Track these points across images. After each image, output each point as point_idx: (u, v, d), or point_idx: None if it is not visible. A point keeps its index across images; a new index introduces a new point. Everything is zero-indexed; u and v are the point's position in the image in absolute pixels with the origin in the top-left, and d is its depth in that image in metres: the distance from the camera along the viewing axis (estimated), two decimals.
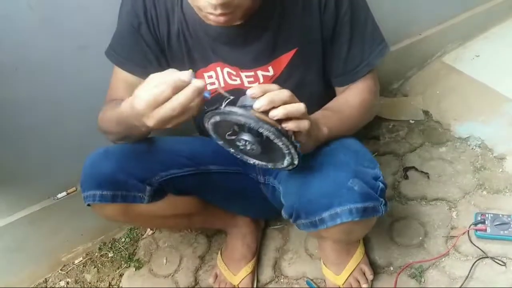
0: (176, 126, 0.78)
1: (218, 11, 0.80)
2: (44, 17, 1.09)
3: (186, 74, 0.74)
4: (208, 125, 0.81)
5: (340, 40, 1.01)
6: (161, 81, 0.75)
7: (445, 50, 1.86)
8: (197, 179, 1.13)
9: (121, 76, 1.06)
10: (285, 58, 1.03)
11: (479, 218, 1.28)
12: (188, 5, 0.96)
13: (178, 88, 0.74)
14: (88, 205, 1.02)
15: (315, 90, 1.09)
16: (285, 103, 0.76)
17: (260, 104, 0.74)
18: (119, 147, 1.02)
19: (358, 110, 1.03)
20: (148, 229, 1.55)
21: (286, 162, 0.82)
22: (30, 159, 1.27)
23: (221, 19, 0.83)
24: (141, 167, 1.02)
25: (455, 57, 1.82)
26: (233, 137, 0.80)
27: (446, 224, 1.34)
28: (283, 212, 0.94)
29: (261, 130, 0.74)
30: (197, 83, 0.74)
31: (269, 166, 0.86)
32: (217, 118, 0.77)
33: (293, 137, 0.77)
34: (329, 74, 1.08)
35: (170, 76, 0.74)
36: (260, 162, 0.86)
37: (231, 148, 0.86)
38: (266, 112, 0.75)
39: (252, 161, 0.87)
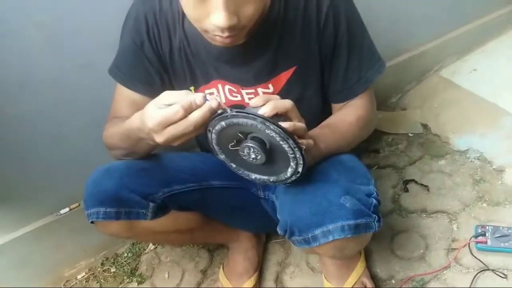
0: (184, 144, 0.81)
1: (226, 34, 0.82)
2: (48, 36, 1.11)
3: (200, 98, 0.76)
4: (212, 135, 0.80)
5: (338, 59, 1.03)
6: (175, 101, 0.77)
7: (442, 64, 1.88)
8: (199, 194, 1.14)
9: (124, 93, 1.07)
10: (285, 76, 1.05)
11: (479, 231, 1.29)
12: (190, 24, 0.98)
13: (191, 110, 0.76)
14: (92, 222, 1.03)
15: (314, 105, 1.11)
16: (288, 111, 0.78)
17: (264, 110, 0.76)
18: (121, 164, 1.03)
19: (355, 127, 1.04)
20: (150, 244, 1.56)
21: (290, 171, 0.81)
22: (33, 175, 1.28)
23: (228, 40, 0.85)
24: (143, 183, 1.02)
25: (453, 71, 1.84)
26: (237, 148, 0.80)
27: (447, 237, 1.34)
28: (278, 229, 0.95)
29: (267, 131, 0.74)
30: (213, 103, 0.76)
31: (271, 180, 0.85)
32: (223, 124, 0.77)
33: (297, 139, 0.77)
34: (326, 91, 1.09)
35: (185, 98, 0.76)
36: (261, 177, 0.86)
37: (232, 163, 0.87)
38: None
39: (253, 176, 0.87)
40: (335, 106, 1.11)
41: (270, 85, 1.05)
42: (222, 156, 0.86)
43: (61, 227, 1.39)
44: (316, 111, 1.10)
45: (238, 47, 0.96)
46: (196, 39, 1.01)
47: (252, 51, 1.00)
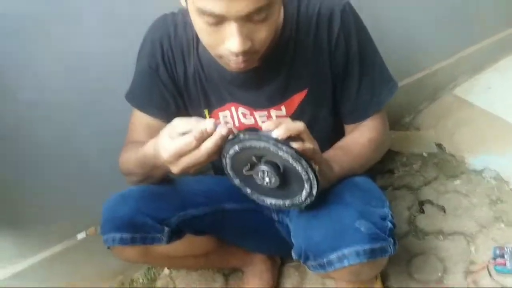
0: (198, 170, 0.83)
1: (240, 59, 0.84)
2: (66, 62, 1.14)
3: (210, 125, 0.77)
4: (226, 160, 0.81)
5: (349, 80, 1.03)
6: (187, 129, 0.79)
7: (456, 83, 1.87)
8: (213, 218, 1.14)
9: (140, 118, 1.09)
10: (298, 98, 1.05)
11: (497, 253, 1.27)
12: (204, 49, 1.00)
13: (203, 139, 0.78)
14: (108, 247, 1.04)
15: (327, 126, 1.11)
16: (300, 133, 0.79)
17: (277, 133, 0.76)
18: (136, 190, 1.04)
19: (368, 149, 1.04)
20: (165, 269, 1.56)
21: (304, 194, 0.81)
22: (50, 200, 1.30)
23: (242, 65, 0.87)
24: (158, 208, 1.03)
25: (467, 90, 1.83)
26: (251, 172, 0.80)
27: (465, 259, 1.32)
28: (292, 253, 0.94)
29: (280, 153, 0.75)
30: (222, 131, 0.77)
31: (286, 205, 0.85)
32: (236, 148, 0.78)
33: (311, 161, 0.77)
34: (339, 112, 1.10)
35: (196, 127, 0.78)
36: (276, 202, 0.86)
37: (247, 188, 0.87)
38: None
39: (268, 201, 0.87)
40: (347, 127, 1.11)
41: (282, 107, 1.05)
42: (236, 181, 0.86)
43: (78, 252, 1.40)
44: (329, 131, 1.11)
45: (251, 71, 0.97)
46: (210, 64, 1.02)
47: (265, 75, 1.02)
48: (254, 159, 0.79)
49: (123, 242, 1.01)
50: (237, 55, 0.83)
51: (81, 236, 1.37)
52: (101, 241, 1.05)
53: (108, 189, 1.07)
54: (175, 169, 0.81)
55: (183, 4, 0.88)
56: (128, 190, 1.04)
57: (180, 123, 0.81)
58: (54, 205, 1.31)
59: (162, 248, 1.06)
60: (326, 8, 0.98)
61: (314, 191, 0.80)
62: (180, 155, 0.79)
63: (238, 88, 1.04)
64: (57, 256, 1.37)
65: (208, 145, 0.77)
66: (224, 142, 0.78)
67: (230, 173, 0.85)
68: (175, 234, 1.07)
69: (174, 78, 1.07)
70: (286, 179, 0.80)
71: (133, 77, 1.11)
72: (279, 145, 0.75)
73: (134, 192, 1.03)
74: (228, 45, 0.81)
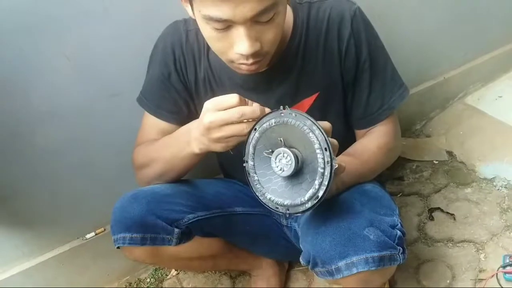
0: (221, 142, 0.84)
1: (250, 61, 0.85)
2: (79, 67, 1.15)
3: (257, 110, 0.80)
4: (256, 134, 0.80)
5: (360, 85, 1.04)
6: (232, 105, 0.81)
7: (467, 91, 1.87)
8: (223, 220, 1.14)
9: (151, 122, 1.11)
10: (307, 102, 1.06)
11: (507, 261, 1.26)
12: (214, 55, 1.01)
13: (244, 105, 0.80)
14: (118, 247, 1.04)
15: (337, 131, 1.09)
16: (327, 132, 0.78)
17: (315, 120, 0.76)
18: (147, 190, 1.05)
19: (378, 155, 1.03)
20: (173, 270, 1.56)
21: (309, 193, 0.77)
22: (60, 200, 1.31)
23: (253, 67, 0.88)
24: (169, 209, 1.03)
25: (478, 98, 1.83)
26: (270, 155, 0.79)
27: (474, 267, 1.31)
28: (301, 259, 0.93)
29: (310, 135, 0.74)
30: (266, 108, 0.80)
31: (285, 204, 0.80)
32: (273, 121, 0.77)
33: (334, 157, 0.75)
34: (349, 117, 1.10)
35: (246, 108, 0.80)
36: (276, 199, 0.81)
37: (255, 175, 0.83)
38: None
39: (268, 196, 0.82)
40: (358, 132, 1.11)
41: None
42: (251, 163, 0.83)
43: (86, 252, 1.41)
44: (338, 137, 1.09)
45: (261, 75, 0.98)
46: (220, 69, 1.04)
47: (275, 78, 1.02)
48: (280, 140, 0.78)
49: (133, 242, 1.01)
50: (247, 57, 0.84)
51: (90, 235, 1.38)
52: (109, 241, 1.06)
53: (116, 190, 1.07)
54: (214, 135, 0.83)
55: (190, 14, 0.89)
56: (139, 191, 1.04)
57: (225, 99, 0.81)
58: (63, 205, 1.33)
59: (171, 249, 1.06)
60: (336, 13, 0.99)
61: (320, 193, 0.76)
62: (222, 123, 0.80)
63: (248, 91, 1.04)
64: (65, 255, 1.39)
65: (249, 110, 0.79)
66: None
67: (251, 150, 0.82)
68: (185, 235, 1.07)
69: (185, 84, 1.08)
70: (298, 174, 0.78)
71: (144, 81, 1.12)
72: (314, 127, 0.74)
73: (145, 192, 1.04)
74: (237, 49, 0.83)
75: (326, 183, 0.75)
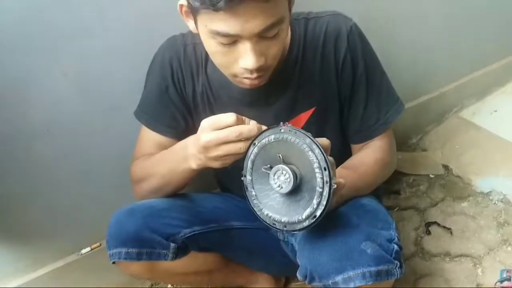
0: (218, 159, 0.85)
1: (255, 75, 0.87)
2: (77, 81, 1.15)
3: (255, 129, 0.81)
4: (255, 149, 0.80)
5: (356, 100, 1.04)
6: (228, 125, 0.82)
7: (462, 105, 1.88)
8: (219, 235, 1.14)
9: (149, 135, 1.11)
10: (304, 116, 1.06)
11: (505, 275, 1.25)
12: (212, 69, 1.02)
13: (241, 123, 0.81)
14: (113, 262, 1.04)
15: (333, 145, 1.10)
16: (326, 150, 0.78)
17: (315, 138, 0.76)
18: (144, 204, 1.04)
19: (374, 169, 1.04)
20: (169, 285, 1.55)
21: (307, 212, 0.76)
22: (56, 215, 1.30)
23: (256, 81, 0.89)
24: (165, 224, 1.03)
25: (473, 112, 1.84)
26: (269, 170, 0.78)
27: (472, 281, 1.31)
28: (298, 274, 0.92)
29: (309, 154, 0.74)
30: (263, 126, 0.81)
31: (282, 220, 0.80)
32: (272, 137, 0.78)
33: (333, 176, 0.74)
34: (345, 132, 1.10)
35: (242, 127, 0.81)
36: (273, 215, 0.81)
37: (253, 190, 0.83)
38: None
39: (265, 212, 0.82)
40: (354, 147, 1.12)
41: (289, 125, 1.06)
42: (249, 178, 0.82)
43: (82, 267, 1.40)
44: (335, 151, 1.09)
45: (259, 89, 0.98)
46: (218, 83, 1.04)
47: (273, 93, 1.03)
48: (280, 157, 0.78)
49: (129, 257, 1.00)
50: (252, 72, 0.85)
51: (85, 250, 1.37)
52: (105, 256, 1.05)
53: (113, 205, 1.06)
54: (211, 154, 0.83)
55: (192, 28, 0.90)
56: (135, 205, 1.04)
57: (221, 119, 0.82)
58: (59, 220, 1.31)
59: (167, 264, 1.06)
60: (332, 29, 1.00)
61: (318, 213, 0.76)
62: (220, 142, 0.81)
63: (246, 106, 1.05)
64: (60, 270, 1.37)
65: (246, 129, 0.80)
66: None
67: (249, 165, 0.82)
68: (181, 250, 1.07)
69: (183, 98, 1.09)
70: (296, 191, 0.78)
71: (142, 95, 1.13)
72: (313, 146, 0.74)
73: (142, 207, 1.03)
74: (242, 63, 0.84)
75: (324, 202, 0.75)
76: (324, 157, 0.73)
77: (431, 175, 1.68)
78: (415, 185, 1.67)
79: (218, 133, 0.81)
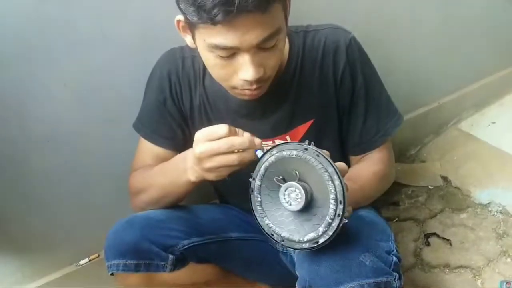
0: (212, 172, 0.85)
1: (254, 86, 0.87)
2: (77, 93, 1.16)
3: (247, 133, 0.83)
4: (272, 158, 0.78)
5: (355, 112, 1.05)
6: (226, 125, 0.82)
7: (461, 117, 1.88)
8: (218, 246, 1.14)
9: (147, 147, 1.11)
10: (303, 129, 1.07)
11: (504, 286, 1.25)
12: (209, 81, 1.03)
13: (234, 135, 0.82)
14: (111, 274, 1.03)
15: (332, 157, 1.11)
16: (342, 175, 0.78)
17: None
18: (142, 216, 1.04)
19: (373, 181, 1.04)
20: None
21: (311, 236, 0.75)
22: (54, 226, 1.30)
23: (255, 92, 0.90)
24: (164, 235, 1.03)
25: (471, 124, 1.85)
26: (281, 184, 0.77)
27: None
28: (297, 285, 0.92)
29: (334, 178, 0.72)
30: (256, 139, 0.81)
31: (281, 235, 0.80)
32: (293, 153, 0.76)
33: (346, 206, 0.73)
34: (344, 144, 1.11)
35: (235, 139, 0.81)
36: (274, 227, 0.80)
37: (259, 196, 0.82)
38: None
39: (266, 221, 0.81)
40: (353, 158, 1.12)
41: (287, 137, 1.07)
42: (258, 183, 0.81)
43: (79, 278, 1.39)
44: None
45: (257, 101, 0.99)
46: (216, 95, 1.05)
47: (271, 105, 1.04)
48: (295, 173, 0.76)
49: (127, 268, 1.00)
50: (251, 83, 0.86)
51: (84, 261, 1.37)
52: (103, 267, 1.04)
53: (111, 216, 1.06)
54: (205, 165, 0.83)
55: (189, 43, 0.91)
56: (134, 216, 1.04)
57: (216, 130, 0.82)
58: (57, 231, 1.32)
59: (165, 276, 1.05)
60: (331, 42, 1.01)
61: (321, 240, 0.75)
62: (212, 153, 0.81)
63: (244, 118, 1.06)
64: (58, 282, 1.37)
65: (246, 156, 0.80)
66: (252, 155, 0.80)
67: (262, 171, 0.80)
68: (180, 262, 1.06)
69: (181, 110, 1.10)
70: (304, 212, 0.77)
71: (141, 107, 1.14)
72: (335, 176, 0.72)
73: (140, 218, 1.03)
74: (242, 75, 0.85)
75: (330, 233, 0.75)
76: (343, 190, 0.73)
77: (430, 187, 1.69)
78: (414, 196, 1.67)
79: (210, 144, 0.81)
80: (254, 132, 1.05)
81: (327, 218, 0.74)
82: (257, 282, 1.35)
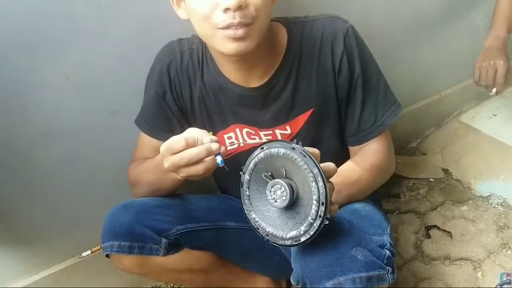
0: (190, 177, 0.87)
1: (237, 19, 0.85)
2: (78, 85, 1.16)
3: (207, 138, 0.83)
4: (261, 154, 0.79)
5: (353, 102, 1.05)
6: (184, 136, 0.84)
7: (461, 110, 1.88)
8: (213, 234, 1.15)
9: (147, 141, 1.13)
10: (302, 118, 1.07)
11: (504, 279, 1.25)
12: (208, 74, 1.04)
13: (192, 146, 0.83)
14: (107, 256, 1.05)
15: (332, 147, 1.12)
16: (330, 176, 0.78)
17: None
18: (139, 201, 1.07)
19: (370, 174, 1.04)
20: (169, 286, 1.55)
21: (293, 234, 0.77)
22: (56, 218, 1.31)
23: (240, 32, 0.87)
24: (158, 220, 1.05)
25: (472, 116, 1.84)
26: (268, 180, 0.78)
27: (472, 285, 1.30)
28: (291, 278, 0.93)
29: (318, 180, 0.73)
30: (213, 145, 0.83)
31: (266, 230, 0.81)
32: (281, 151, 0.76)
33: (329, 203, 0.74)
34: (343, 134, 1.11)
35: (196, 135, 0.84)
36: (260, 222, 0.83)
37: (248, 190, 0.83)
38: None
39: (253, 215, 0.83)
40: (352, 149, 1.12)
41: (287, 127, 1.07)
42: (247, 177, 0.82)
43: (82, 270, 1.40)
44: (334, 153, 1.11)
45: (256, 91, 1.00)
46: (215, 87, 1.06)
47: (270, 94, 1.04)
48: (283, 170, 0.77)
49: (121, 250, 1.02)
50: (234, 16, 0.85)
51: (86, 253, 1.37)
52: (105, 259, 1.06)
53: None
54: (165, 163, 0.86)
55: (182, 15, 0.95)
56: (131, 201, 1.06)
57: (191, 131, 0.86)
58: (59, 223, 1.32)
59: (160, 260, 1.07)
60: (329, 31, 1.01)
61: (302, 239, 0.76)
62: (169, 151, 0.84)
63: (243, 108, 1.06)
64: (61, 273, 1.38)
65: (191, 151, 0.82)
66: (213, 162, 0.83)
67: (251, 166, 0.81)
68: (173, 246, 1.08)
69: (180, 103, 1.11)
70: (289, 208, 0.78)
71: (142, 103, 1.14)
72: (319, 177, 0.73)
73: (136, 202, 1.06)
74: (223, 3, 0.84)
75: (311, 233, 0.76)
76: (326, 192, 0.73)
77: (431, 179, 1.69)
78: (415, 188, 1.67)
79: (173, 158, 0.84)
80: (255, 122, 1.06)
81: (309, 218, 0.75)
82: (257, 273, 1.36)
